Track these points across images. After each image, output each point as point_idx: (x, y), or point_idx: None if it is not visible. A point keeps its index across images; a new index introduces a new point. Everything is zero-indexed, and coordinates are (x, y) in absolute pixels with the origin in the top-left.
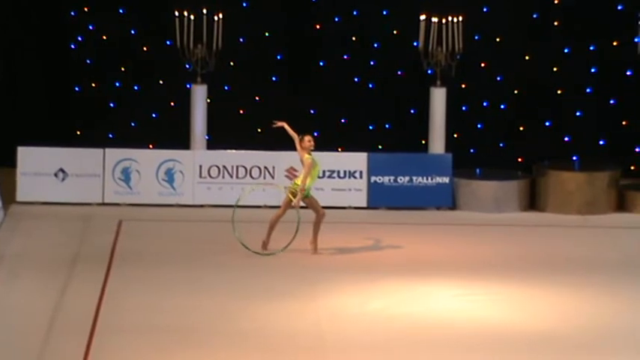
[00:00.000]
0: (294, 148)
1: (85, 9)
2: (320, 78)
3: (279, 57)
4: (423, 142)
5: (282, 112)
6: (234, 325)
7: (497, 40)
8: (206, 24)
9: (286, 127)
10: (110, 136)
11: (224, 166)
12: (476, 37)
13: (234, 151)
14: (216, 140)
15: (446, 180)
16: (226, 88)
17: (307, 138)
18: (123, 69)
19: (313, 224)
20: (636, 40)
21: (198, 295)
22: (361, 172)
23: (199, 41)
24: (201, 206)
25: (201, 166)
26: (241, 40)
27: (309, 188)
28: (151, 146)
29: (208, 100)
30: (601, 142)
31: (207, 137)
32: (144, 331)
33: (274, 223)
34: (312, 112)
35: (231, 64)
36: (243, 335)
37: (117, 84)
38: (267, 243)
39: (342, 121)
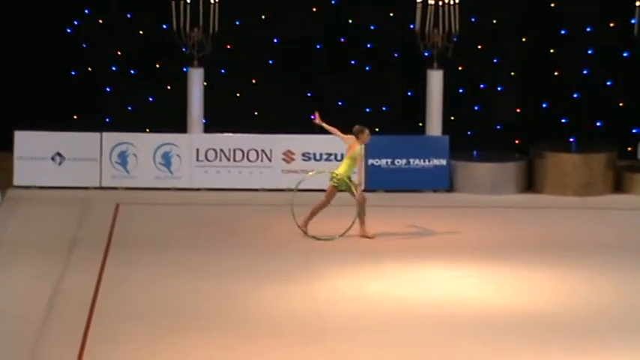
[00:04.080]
0: (290, 132)
1: None
2: (316, 61)
3: (275, 40)
4: (420, 124)
5: (278, 95)
6: (234, 309)
7: (494, 21)
8: (202, 7)
9: (324, 125)
10: (107, 120)
11: (221, 150)
12: (472, 19)
13: (231, 134)
14: (213, 123)
15: (443, 162)
16: (223, 71)
17: (367, 132)
18: (119, 53)
19: (311, 210)
20: (633, 21)
21: (197, 279)
22: None
23: (195, 25)
24: (199, 189)
25: (198, 150)
26: (237, 23)
27: (347, 177)
28: (147, 130)
29: (205, 84)
30: (598, 124)
31: (204, 121)
32: (142, 315)
33: (317, 211)
34: (308, 94)
35: (228, 47)
36: (243, 319)
37: (113, 68)
38: (305, 228)
39: (339, 103)
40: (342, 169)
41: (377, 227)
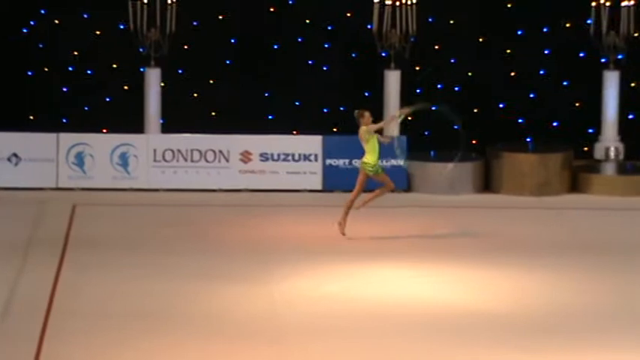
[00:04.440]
0: (248, 132)
1: None
2: (274, 61)
3: (233, 40)
4: None
5: (235, 96)
6: (191, 310)
7: (451, 22)
8: (159, 7)
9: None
10: (64, 120)
11: (178, 150)
12: (430, 20)
13: (188, 134)
14: (171, 124)
15: (400, 162)
16: (180, 71)
17: (367, 114)
18: (76, 53)
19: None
20: (589, 21)
21: (155, 280)
22: (316, 155)
23: (153, 25)
24: (156, 190)
25: (155, 150)
26: (195, 23)
27: (377, 163)
28: (104, 130)
29: (162, 84)
30: (554, 124)
31: (161, 121)
32: (99, 316)
33: (350, 205)
34: (266, 94)
35: (185, 47)
36: (200, 319)
37: (70, 68)
38: (344, 226)
39: (297, 103)
40: (369, 157)
41: (335, 228)
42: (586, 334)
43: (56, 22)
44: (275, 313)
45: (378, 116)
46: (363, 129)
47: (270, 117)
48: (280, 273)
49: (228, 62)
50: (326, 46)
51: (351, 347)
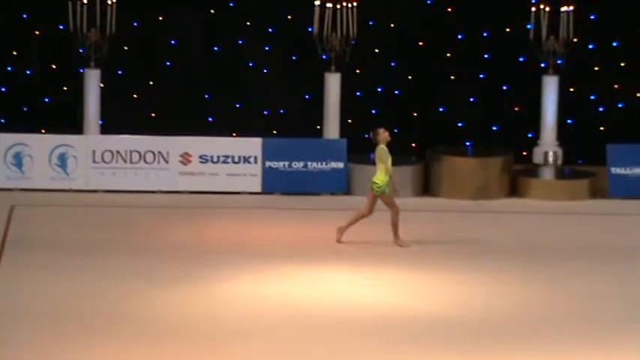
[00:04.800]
0: (188, 133)
1: None
2: (214, 62)
3: (172, 42)
4: (318, 127)
5: (175, 97)
6: (130, 311)
7: (392, 25)
8: (99, 8)
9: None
10: (2, 120)
11: (117, 151)
12: (370, 23)
13: (127, 135)
14: (110, 125)
15: (340, 165)
16: (120, 72)
17: (380, 130)
18: (15, 53)
19: (391, 224)
20: (529, 26)
21: (93, 281)
22: (256, 158)
23: (92, 25)
24: (95, 191)
25: (94, 151)
26: (135, 24)
27: (385, 184)
28: (43, 131)
29: (102, 85)
30: (494, 128)
31: (100, 122)
32: (38, 318)
33: (355, 221)
34: (206, 96)
35: (125, 48)
36: (139, 321)
37: (8, 68)
38: (341, 234)
39: (237, 106)
40: (380, 177)
41: (275, 230)
42: (524, 338)
43: None
44: (214, 314)
45: (319, 119)
46: (383, 149)
47: (210, 119)
48: (220, 275)
49: (168, 64)
50: (266, 48)
51: (289, 348)
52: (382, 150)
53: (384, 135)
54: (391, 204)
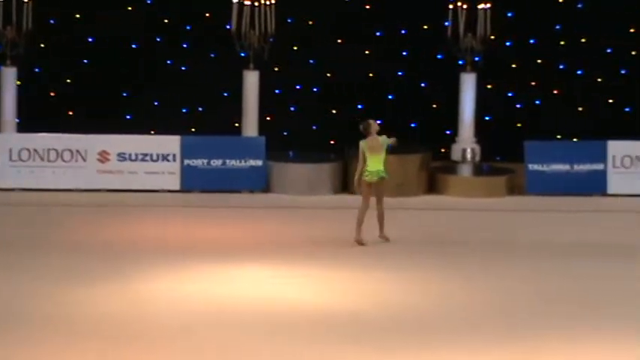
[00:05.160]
0: (106, 132)
1: None
2: (133, 60)
3: (90, 39)
4: (237, 124)
5: (93, 95)
6: (50, 310)
7: (310, 23)
8: (16, 5)
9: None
10: None
11: (35, 150)
12: (289, 20)
13: (45, 134)
14: (27, 123)
15: (259, 163)
16: (37, 70)
17: (369, 122)
18: None
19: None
20: (446, 23)
21: (12, 281)
22: (174, 155)
23: (9, 23)
24: (12, 190)
25: (11, 150)
26: (52, 21)
27: (376, 171)
28: None
29: (18, 83)
30: (412, 125)
31: (17, 120)
32: None
33: (362, 218)
34: (124, 94)
35: (42, 46)
36: (52, 320)
37: None
38: (361, 239)
39: (155, 103)
40: (382, 164)
41: (194, 228)
42: (439, 335)
43: None
44: (135, 312)
45: (238, 116)
46: (385, 139)
47: (128, 117)
48: (139, 273)
49: (85, 61)
50: (184, 46)
51: (209, 345)
52: (385, 141)
53: (375, 126)
54: (365, 201)
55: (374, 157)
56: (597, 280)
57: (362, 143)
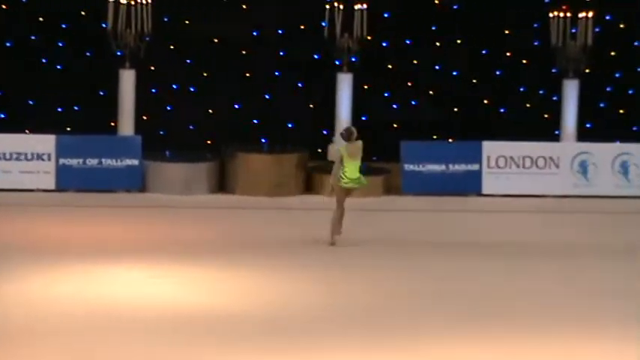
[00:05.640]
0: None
1: None
2: (7, 59)
3: None
4: (113, 124)
5: None
6: None
7: (186, 22)
8: None
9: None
10: None
11: None
12: (165, 19)
13: None
14: None
15: (135, 162)
16: None
17: (349, 130)
18: None
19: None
20: (323, 24)
21: None
22: (49, 155)
23: None
24: None
25: None
26: None
27: (356, 178)
28: None
29: None
30: (289, 125)
31: None
32: None
33: (336, 223)
34: (1, 93)
35: None
36: None
37: None
38: (334, 241)
39: (30, 102)
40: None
41: (68, 228)
42: (316, 334)
43: None
44: (4, 314)
45: (113, 116)
46: (360, 145)
47: (2, 115)
48: (10, 274)
49: None
50: (60, 44)
51: (81, 347)
52: (343, 149)
53: (356, 134)
54: (339, 205)
55: (352, 163)
56: (460, 280)
57: (342, 149)
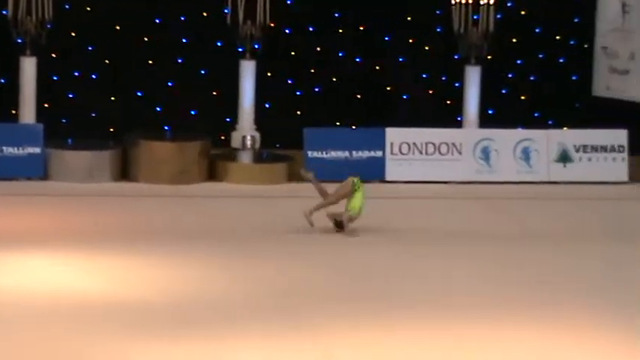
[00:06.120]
0: None
1: None
2: None
3: None
4: (14, 112)
5: None
6: None
7: (88, 9)
8: None
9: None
10: None
11: None
12: (66, 7)
13: None
14: None
15: (37, 150)
16: None
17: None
18: None
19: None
20: (226, 10)
21: None
22: None
23: None
24: None
25: None
26: None
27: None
28: None
29: None
30: (192, 112)
31: None
32: None
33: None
34: None
35: None
36: None
37: None
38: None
39: None
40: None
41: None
42: (227, 322)
43: None
44: None
45: (14, 103)
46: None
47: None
48: None
49: None
50: None
51: None
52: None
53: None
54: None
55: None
56: (360, 265)
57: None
